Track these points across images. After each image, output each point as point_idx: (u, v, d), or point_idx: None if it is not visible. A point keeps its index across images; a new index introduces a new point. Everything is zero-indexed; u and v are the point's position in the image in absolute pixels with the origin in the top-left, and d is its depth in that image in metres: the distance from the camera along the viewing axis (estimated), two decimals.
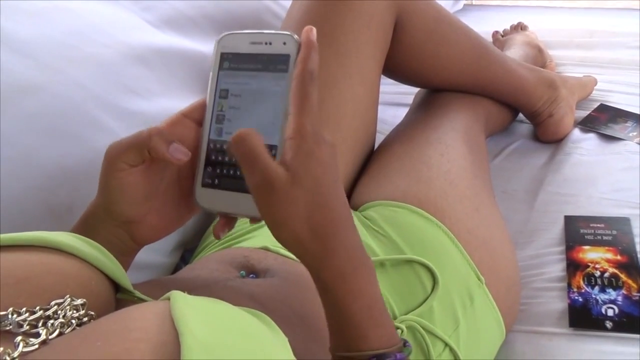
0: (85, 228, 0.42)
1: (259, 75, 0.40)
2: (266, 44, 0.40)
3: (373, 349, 0.38)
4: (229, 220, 0.41)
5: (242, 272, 0.53)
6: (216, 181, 0.41)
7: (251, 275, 0.53)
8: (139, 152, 0.40)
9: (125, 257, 0.43)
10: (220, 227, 0.41)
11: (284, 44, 0.40)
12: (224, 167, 0.41)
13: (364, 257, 0.39)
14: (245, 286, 0.49)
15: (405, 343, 0.41)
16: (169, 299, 0.28)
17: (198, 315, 0.27)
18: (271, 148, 0.39)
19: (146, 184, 0.41)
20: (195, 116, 0.42)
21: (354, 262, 0.38)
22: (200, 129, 0.42)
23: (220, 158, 0.41)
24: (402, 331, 0.54)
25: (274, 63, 0.40)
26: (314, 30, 0.38)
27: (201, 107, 0.43)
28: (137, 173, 0.41)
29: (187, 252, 0.79)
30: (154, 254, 0.71)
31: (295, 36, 0.40)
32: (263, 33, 0.41)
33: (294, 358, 0.31)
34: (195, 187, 0.42)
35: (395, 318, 0.56)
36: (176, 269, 0.76)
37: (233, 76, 0.42)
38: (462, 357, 0.57)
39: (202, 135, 0.42)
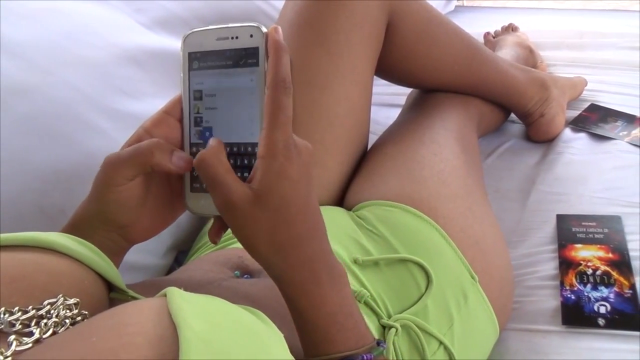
0: (75, 232, 0.42)
1: (230, 71, 0.39)
2: (233, 38, 0.39)
3: (340, 351, 0.38)
4: (223, 224, 0.41)
5: (236, 272, 0.53)
6: (204, 185, 0.40)
7: (245, 276, 0.53)
8: (140, 167, 0.40)
9: (116, 256, 0.43)
10: (215, 232, 0.41)
11: (251, 36, 0.39)
12: None
13: (329, 267, 0.39)
14: (240, 286, 0.49)
15: (378, 343, 0.41)
16: (165, 295, 0.28)
17: (195, 310, 0.27)
18: (253, 146, 0.39)
19: (142, 192, 0.41)
20: (176, 113, 0.42)
21: (317, 274, 0.38)
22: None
23: None
24: (397, 330, 0.54)
25: (243, 57, 0.39)
26: (280, 29, 0.38)
27: (180, 103, 0.42)
28: (134, 186, 0.41)
29: (180, 254, 0.79)
30: (148, 255, 0.71)
31: (263, 27, 0.39)
32: (228, 27, 0.39)
33: (289, 353, 0.31)
34: (185, 193, 0.42)
35: (389, 317, 0.57)
36: (170, 270, 0.76)
37: (204, 76, 0.40)
38: (457, 356, 0.58)
39: (183, 140, 0.41)
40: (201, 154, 0.37)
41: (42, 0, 0.70)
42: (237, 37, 0.39)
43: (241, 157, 0.39)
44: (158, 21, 0.83)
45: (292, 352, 0.32)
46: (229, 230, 0.39)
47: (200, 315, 0.27)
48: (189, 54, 0.41)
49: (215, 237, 0.41)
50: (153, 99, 0.73)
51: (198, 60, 0.41)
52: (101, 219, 0.41)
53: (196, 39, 0.41)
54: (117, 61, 0.72)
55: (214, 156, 0.37)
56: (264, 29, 0.38)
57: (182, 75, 0.41)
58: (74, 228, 0.42)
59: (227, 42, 0.39)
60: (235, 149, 0.39)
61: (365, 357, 0.39)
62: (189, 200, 0.41)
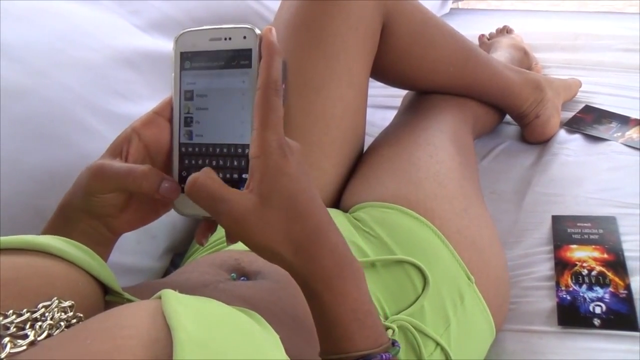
0: (62, 219, 0.42)
1: (222, 72, 0.39)
2: (226, 39, 0.39)
3: (359, 350, 0.38)
4: (211, 225, 0.41)
5: (233, 274, 0.53)
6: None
7: (242, 278, 0.53)
8: (125, 189, 0.40)
9: (102, 247, 0.43)
10: (202, 232, 0.41)
11: (244, 37, 0.38)
12: (198, 170, 0.40)
13: (349, 258, 0.39)
14: (236, 288, 0.49)
15: (394, 343, 0.41)
16: (160, 297, 0.28)
17: (190, 312, 0.27)
18: (243, 147, 0.38)
19: (124, 197, 0.42)
20: (166, 114, 0.42)
21: (339, 265, 0.38)
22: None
23: (193, 162, 0.40)
24: (394, 331, 0.54)
25: (236, 59, 0.39)
26: (274, 30, 0.38)
27: (171, 104, 0.42)
28: (117, 194, 0.41)
29: (177, 256, 0.78)
30: (144, 258, 0.71)
31: (256, 29, 0.39)
32: (222, 28, 0.39)
33: (285, 355, 0.31)
34: None
35: (386, 318, 0.57)
36: (166, 273, 0.76)
37: (196, 76, 0.40)
38: (453, 356, 0.58)
39: (172, 140, 0.41)
40: (191, 177, 0.37)
41: (36, 2, 0.70)
42: (230, 38, 0.39)
43: (230, 159, 0.39)
44: (153, 23, 0.83)
45: (288, 354, 0.32)
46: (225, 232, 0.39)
47: (194, 317, 0.27)
48: (181, 53, 0.41)
49: (202, 238, 0.41)
50: (148, 101, 0.73)
51: (190, 60, 0.40)
52: (84, 210, 0.41)
53: (189, 39, 0.40)
54: (112, 63, 0.72)
55: (204, 175, 0.37)
56: (258, 31, 0.38)
57: (173, 75, 0.41)
58: (61, 214, 0.42)
59: (220, 43, 0.39)
60: (225, 150, 0.39)
61: (384, 357, 0.38)
62: (176, 201, 0.41)
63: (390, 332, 0.54)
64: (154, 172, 0.40)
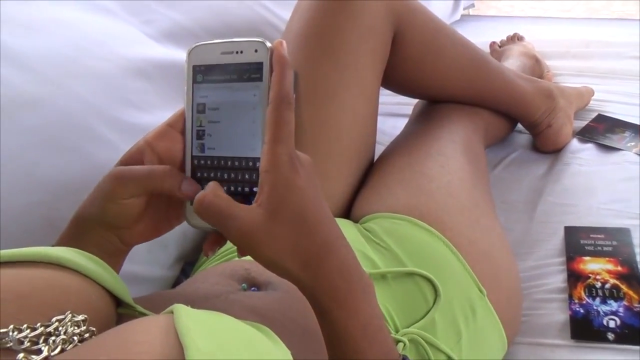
0: (75, 231, 0.42)
1: (234, 86, 0.40)
2: (237, 52, 0.39)
3: None
4: (219, 238, 0.41)
5: (243, 285, 0.53)
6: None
7: (253, 288, 0.53)
8: (148, 190, 0.40)
9: (115, 258, 0.43)
10: (210, 245, 0.41)
11: (256, 51, 0.39)
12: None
13: (359, 274, 0.39)
14: (246, 299, 0.49)
15: (404, 358, 0.40)
16: (172, 312, 0.28)
17: (202, 329, 0.27)
18: (254, 161, 0.39)
19: (143, 205, 0.42)
20: (179, 126, 0.42)
21: (349, 281, 0.38)
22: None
23: (205, 174, 0.41)
24: (405, 344, 0.54)
25: (247, 72, 0.39)
26: (285, 44, 0.38)
27: (183, 116, 0.42)
28: (137, 200, 0.41)
29: (187, 265, 0.78)
30: (155, 267, 0.71)
31: (267, 42, 0.39)
32: (233, 41, 0.40)
33: None
34: (185, 206, 0.41)
35: (397, 331, 0.56)
36: (177, 282, 0.76)
37: (208, 89, 0.41)
38: None
39: (184, 153, 0.42)
40: (198, 195, 0.37)
41: (49, 12, 0.71)
42: (241, 52, 0.39)
43: (241, 172, 0.39)
44: (165, 33, 0.84)
45: None
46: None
47: (206, 334, 0.27)
48: (194, 67, 0.41)
49: (209, 250, 0.41)
50: (161, 110, 0.74)
51: (202, 73, 0.41)
52: (98, 221, 0.42)
53: (201, 53, 0.41)
54: (125, 73, 0.73)
55: (211, 194, 0.37)
56: (269, 44, 0.39)
57: (185, 88, 0.41)
58: (74, 225, 0.43)
59: (231, 57, 0.40)
60: (236, 163, 0.39)
61: None
62: (188, 214, 0.41)
63: (401, 345, 0.53)
64: (175, 171, 0.40)
